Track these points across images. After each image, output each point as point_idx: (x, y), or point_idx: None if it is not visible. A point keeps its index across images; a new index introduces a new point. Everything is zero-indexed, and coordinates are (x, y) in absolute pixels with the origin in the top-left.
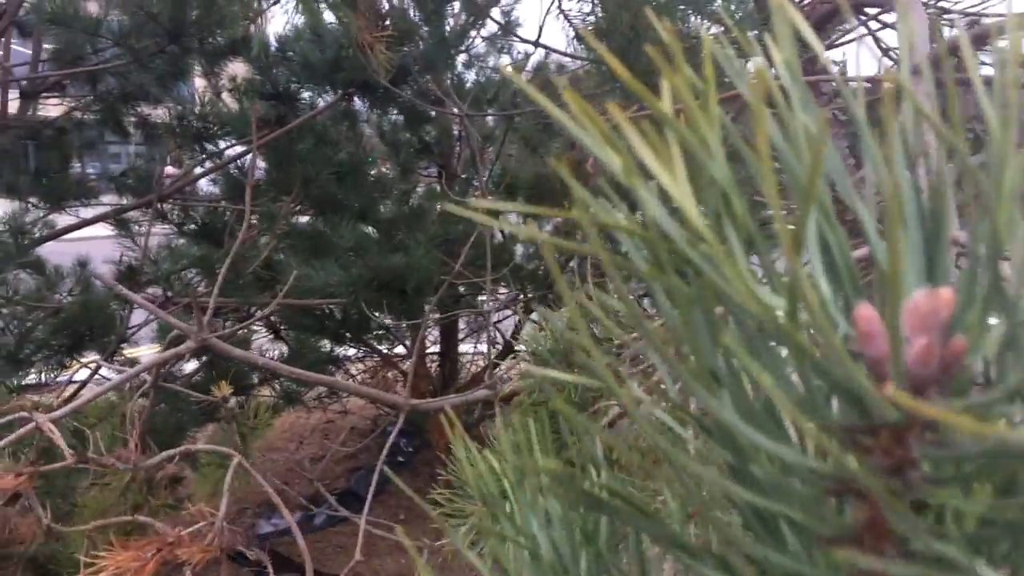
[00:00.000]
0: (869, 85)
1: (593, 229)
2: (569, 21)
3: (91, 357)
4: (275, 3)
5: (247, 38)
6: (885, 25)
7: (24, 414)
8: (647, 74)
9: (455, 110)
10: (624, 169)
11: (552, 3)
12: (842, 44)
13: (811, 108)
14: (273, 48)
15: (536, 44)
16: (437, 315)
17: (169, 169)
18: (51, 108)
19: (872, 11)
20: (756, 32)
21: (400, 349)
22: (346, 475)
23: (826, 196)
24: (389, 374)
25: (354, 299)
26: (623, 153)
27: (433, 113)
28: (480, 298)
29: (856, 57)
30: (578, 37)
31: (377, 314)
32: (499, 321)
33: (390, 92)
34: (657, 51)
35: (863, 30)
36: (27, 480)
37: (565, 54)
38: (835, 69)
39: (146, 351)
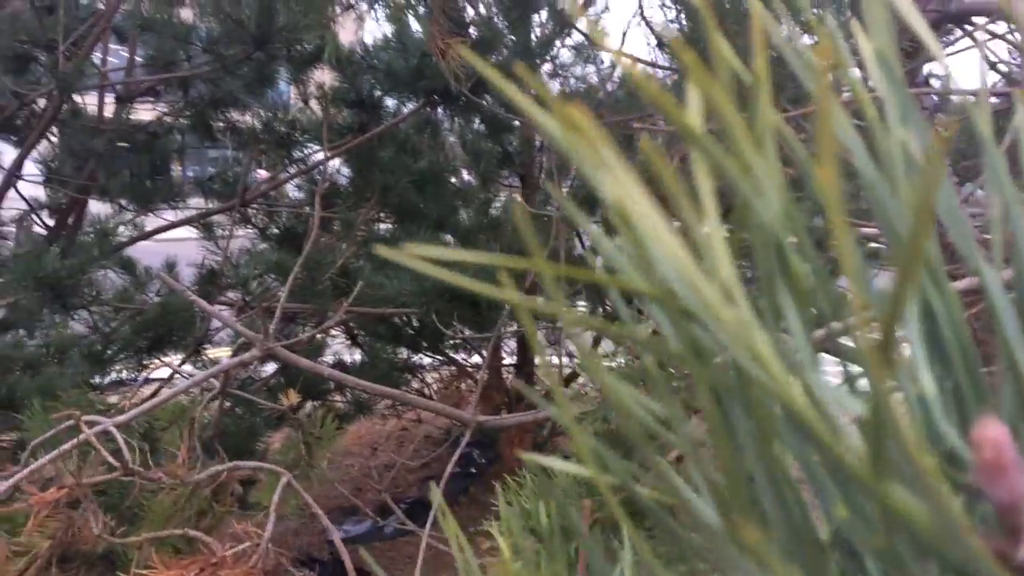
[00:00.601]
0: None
1: (553, 281)
2: (651, 28)
3: (171, 357)
4: (348, 8)
5: (323, 46)
6: (994, 36)
7: (71, 421)
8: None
9: None
10: (616, 204)
11: (635, 12)
12: (947, 56)
13: (914, 119)
14: (358, 56)
15: (619, 53)
16: (513, 328)
17: (263, 173)
18: (144, 112)
19: (979, 20)
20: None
21: (477, 359)
22: (419, 483)
23: (933, 247)
24: (463, 385)
25: (426, 309)
26: (622, 181)
27: (516, 122)
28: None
29: (980, 65)
30: (660, 45)
31: (454, 324)
32: (560, 325)
33: (471, 101)
34: (678, 40)
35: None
36: (68, 493)
37: (646, 63)
38: (938, 83)
39: (226, 353)
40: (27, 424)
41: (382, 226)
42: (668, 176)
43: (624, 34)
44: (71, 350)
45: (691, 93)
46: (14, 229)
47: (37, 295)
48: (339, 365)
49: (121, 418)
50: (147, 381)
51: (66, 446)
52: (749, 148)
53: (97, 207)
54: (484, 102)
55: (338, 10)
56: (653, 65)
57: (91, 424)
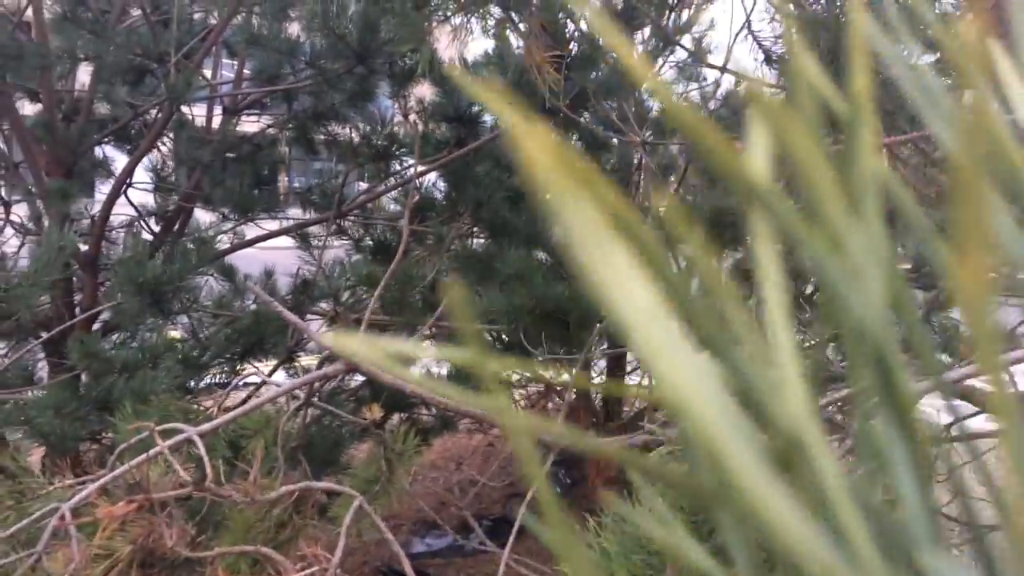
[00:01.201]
0: None
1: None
2: (759, 44)
3: (264, 363)
4: (444, 21)
5: (431, 60)
6: None
7: (148, 433)
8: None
9: (635, 138)
10: (605, 295)
11: (742, 27)
12: None
13: None
14: (455, 69)
15: (723, 70)
16: (604, 347)
17: (363, 185)
18: (249, 125)
19: None
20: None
21: (566, 376)
22: (503, 500)
23: None
24: (549, 404)
25: (515, 327)
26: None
27: (614, 140)
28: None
29: None
30: (768, 60)
31: (542, 343)
32: None
33: (568, 117)
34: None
35: None
36: (136, 509)
37: (752, 80)
38: None
39: (317, 361)
40: (118, 427)
41: (475, 241)
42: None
43: (730, 49)
44: (165, 355)
45: (755, 128)
46: (123, 234)
47: (138, 300)
48: (426, 378)
49: (205, 427)
50: (242, 385)
51: (142, 457)
52: (841, 211)
53: (202, 215)
54: (582, 119)
55: (434, 24)
56: (766, 84)
57: (174, 432)
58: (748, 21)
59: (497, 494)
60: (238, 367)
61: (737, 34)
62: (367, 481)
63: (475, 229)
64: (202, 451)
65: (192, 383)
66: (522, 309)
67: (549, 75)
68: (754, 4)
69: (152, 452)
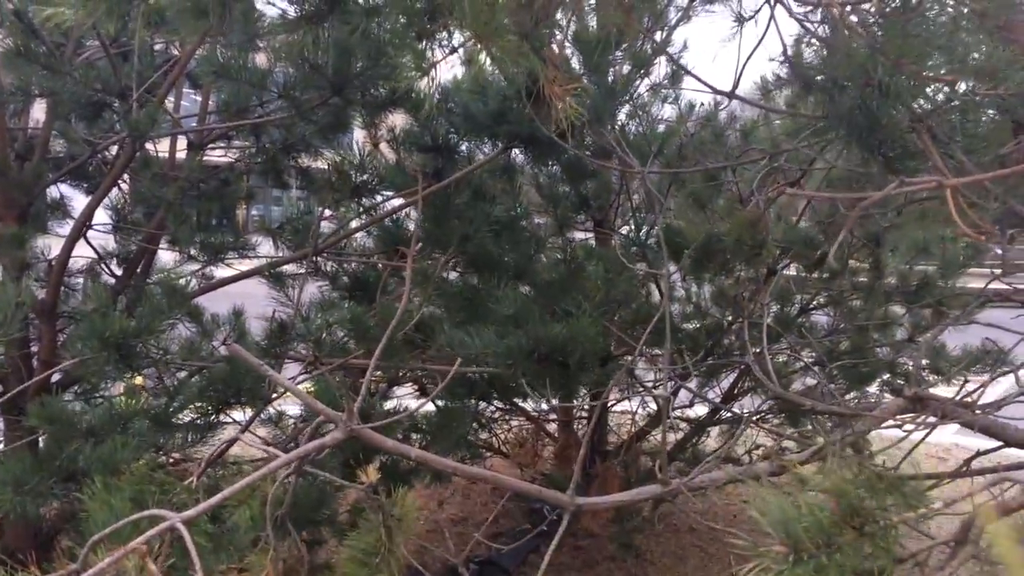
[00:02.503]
0: None
1: None
2: (802, 69)
3: (238, 415)
4: (452, 53)
5: (412, 90)
6: None
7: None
8: (897, 144)
9: (633, 166)
10: None
11: (753, 51)
12: None
13: None
14: (436, 99)
15: (731, 96)
16: (594, 393)
17: (326, 212)
18: (215, 155)
19: None
20: None
21: (545, 405)
22: (488, 538)
23: None
24: (538, 442)
25: (513, 372)
26: None
27: (594, 167)
28: (630, 357)
29: None
30: (807, 88)
31: (541, 386)
32: (655, 385)
33: (555, 145)
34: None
35: None
36: None
37: (758, 105)
38: None
39: (295, 408)
40: (89, 506)
41: (454, 275)
42: None
43: (738, 78)
44: (134, 418)
45: None
46: (82, 280)
47: (104, 355)
48: (410, 418)
49: (189, 513)
50: (221, 424)
51: (119, 553)
52: None
53: (166, 255)
54: (569, 147)
55: (439, 55)
56: (763, 107)
57: (157, 520)
58: (784, 48)
59: (481, 533)
60: (213, 419)
61: (749, 57)
62: (366, 552)
63: (455, 263)
64: (187, 539)
65: (162, 440)
66: (519, 351)
67: (571, 109)
68: (767, 28)
69: (130, 548)
